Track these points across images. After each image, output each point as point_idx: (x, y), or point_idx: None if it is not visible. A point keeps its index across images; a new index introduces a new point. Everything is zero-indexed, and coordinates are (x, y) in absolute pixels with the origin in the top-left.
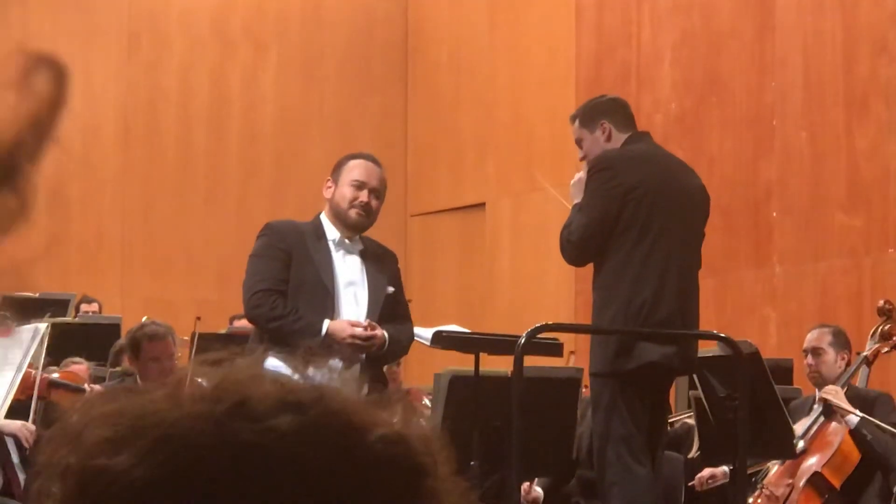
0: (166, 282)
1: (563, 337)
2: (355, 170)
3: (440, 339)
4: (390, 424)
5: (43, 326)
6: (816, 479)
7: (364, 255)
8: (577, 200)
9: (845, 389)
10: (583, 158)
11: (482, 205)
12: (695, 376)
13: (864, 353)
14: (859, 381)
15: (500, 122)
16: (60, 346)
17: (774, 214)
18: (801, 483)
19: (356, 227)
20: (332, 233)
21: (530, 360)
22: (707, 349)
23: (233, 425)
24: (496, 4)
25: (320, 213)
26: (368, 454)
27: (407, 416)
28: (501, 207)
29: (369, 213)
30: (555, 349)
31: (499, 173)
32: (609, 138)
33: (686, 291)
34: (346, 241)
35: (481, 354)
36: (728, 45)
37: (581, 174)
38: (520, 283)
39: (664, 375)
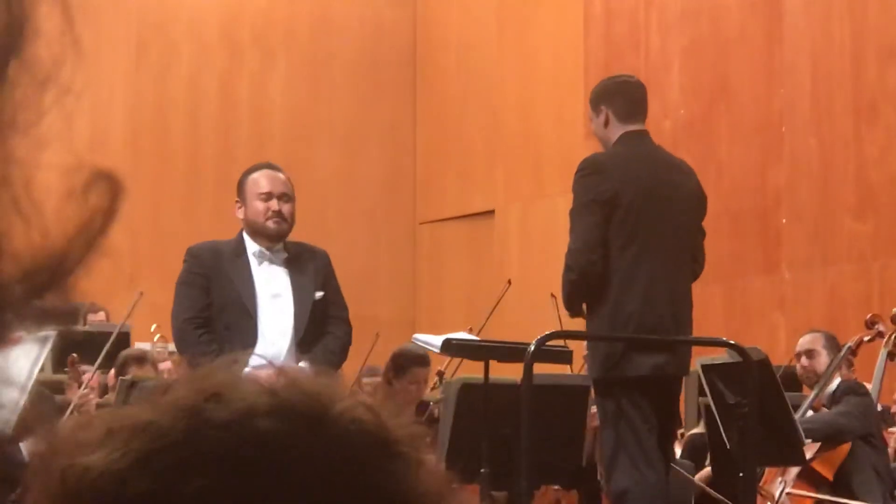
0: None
1: (572, 345)
2: (259, 182)
3: (450, 347)
4: (360, 400)
5: (51, 335)
6: (809, 473)
7: (289, 263)
8: None
9: (836, 383)
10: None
11: (491, 212)
12: (704, 383)
13: (849, 344)
14: (873, 380)
15: (508, 128)
16: (68, 354)
17: (783, 220)
18: (794, 478)
19: (277, 235)
20: (252, 247)
21: (539, 368)
22: (716, 356)
23: (208, 409)
24: (504, 11)
25: (242, 230)
26: (337, 426)
27: (380, 397)
28: (510, 214)
29: (285, 219)
30: (564, 356)
31: (507, 180)
32: (607, 124)
33: (677, 297)
34: (267, 252)
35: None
36: (737, 51)
37: None
38: (528, 289)
39: (661, 385)
